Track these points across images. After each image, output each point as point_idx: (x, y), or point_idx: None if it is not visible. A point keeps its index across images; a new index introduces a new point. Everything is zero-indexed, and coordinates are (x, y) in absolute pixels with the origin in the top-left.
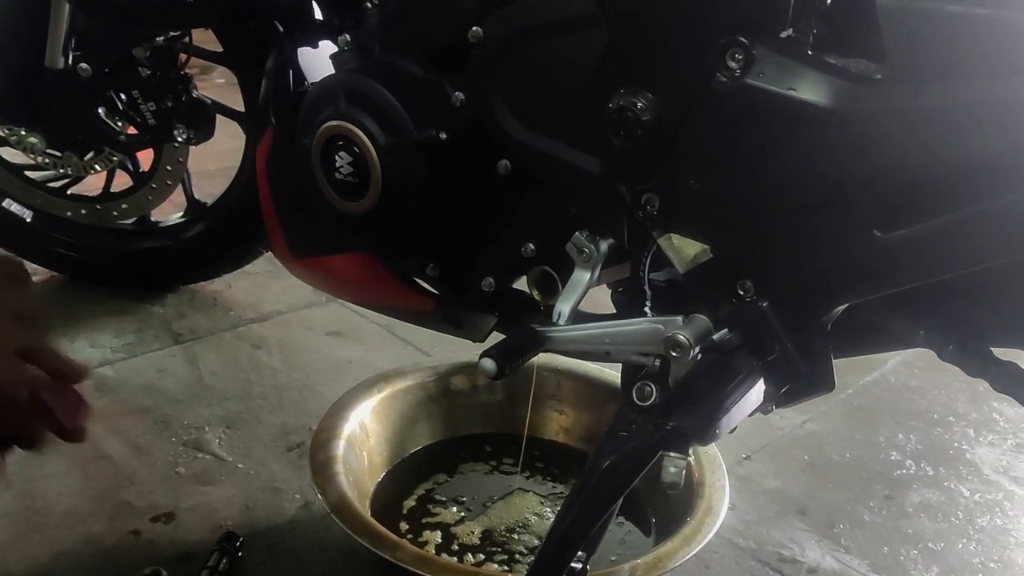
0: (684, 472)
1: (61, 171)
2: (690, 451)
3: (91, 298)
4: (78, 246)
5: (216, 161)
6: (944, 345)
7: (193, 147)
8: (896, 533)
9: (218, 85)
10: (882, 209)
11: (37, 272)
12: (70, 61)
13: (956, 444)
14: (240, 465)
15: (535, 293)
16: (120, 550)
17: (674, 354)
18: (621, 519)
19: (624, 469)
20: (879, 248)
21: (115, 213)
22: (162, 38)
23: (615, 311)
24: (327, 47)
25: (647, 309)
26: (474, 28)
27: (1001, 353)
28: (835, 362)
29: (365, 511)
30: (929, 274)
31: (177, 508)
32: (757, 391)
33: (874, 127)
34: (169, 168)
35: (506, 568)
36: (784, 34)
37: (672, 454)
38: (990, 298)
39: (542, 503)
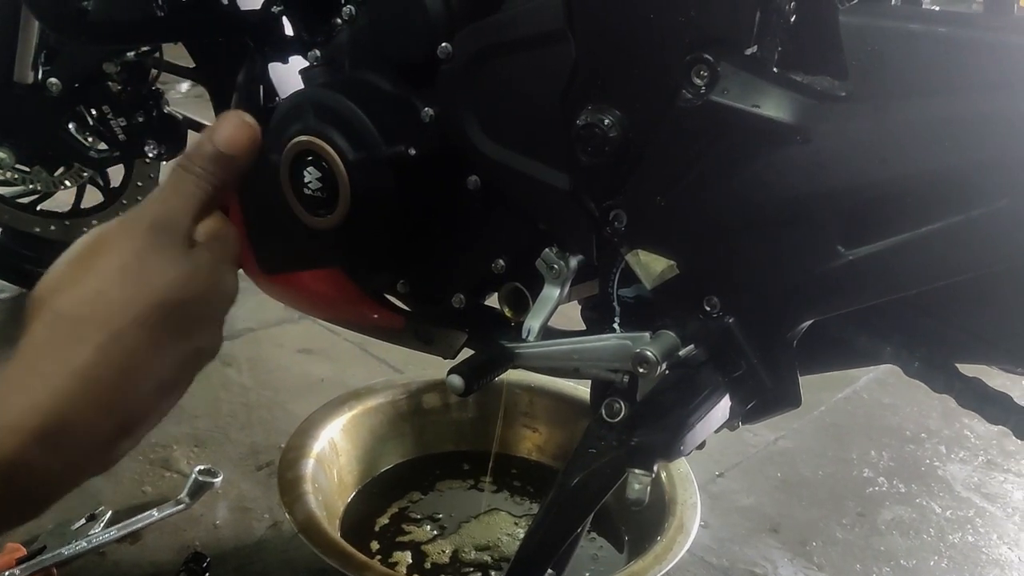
0: (649, 489)
1: (30, 187)
2: (655, 467)
3: None
4: (47, 262)
5: None
6: (910, 361)
7: (164, 163)
8: (868, 550)
9: (196, 97)
10: (846, 225)
11: (4, 289)
12: (39, 76)
13: (928, 461)
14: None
15: (506, 309)
16: (85, 571)
17: (641, 370)
18: (593, 535)
19: (593, 486)
20: (843, 264)
21: (85, 229)
22: (132, 53)
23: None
24: (297, 62)
25: (616, 325)
26: (443, 44)
27: (967, 369)
28: (807, 379)
29: (334, 531)
30: (892, 290)
31: (143, 528)
32: (723, 407)
33: (838, 143)
34: (140, 184)
35: None
36: (749, 51)
37: (637, 471)
38: (955, 314)
39: (516, 523)
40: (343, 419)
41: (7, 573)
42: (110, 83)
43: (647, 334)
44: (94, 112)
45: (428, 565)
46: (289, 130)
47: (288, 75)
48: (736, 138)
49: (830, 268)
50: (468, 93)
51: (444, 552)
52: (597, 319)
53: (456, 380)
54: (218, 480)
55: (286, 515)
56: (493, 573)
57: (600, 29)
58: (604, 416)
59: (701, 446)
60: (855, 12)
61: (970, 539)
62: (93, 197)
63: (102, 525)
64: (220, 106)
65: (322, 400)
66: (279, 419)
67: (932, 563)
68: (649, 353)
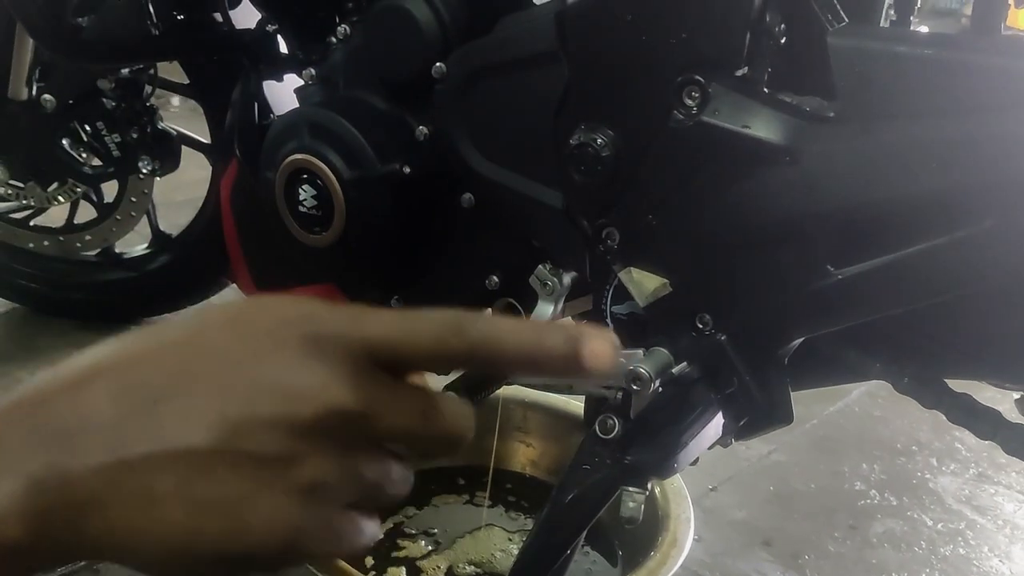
0: (642, 507)
1: (24, 202)
2: (649, 484)
3: (53, 330)
4: (40, 277)
5: (184, 192)
6: (899, 377)
7: (160, 178)
8: (861, 563)
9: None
10: (835, 244)
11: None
12: (34, 92)
13: (919, 474)
14: None
15: None
16: None
17: (635, 387)
18: (587, 549)
19: (586, 503)
20: (833, 283)
21: (78, 244)
22: (127, 70)
23: None
24: (292, 81)
25: None
26: (437, 64)
27: (956, 384)
28: (799, 393)
29: None
30: (882, 308)
31: None
32: (716, 424)
33: (826, 164)
34: (134, 199)
35: None
36: (739, 72)
37: (631, 488)
38: (944, 330)
39: (510, 539)
40: None
41: None
42: (104, 99)
43: (640, 351)
44: (88, 128)
45: None
46: (284, 148)
47: (283, 93)
48: (727, 158)
49: (820, 287)
50: (462, 112)
51: (439, 568)
52: None
53: (452, 397)
54: None
55: None
56: None
57: (593, 50)
58: (598, 432)
59: (694, 461)
60: (843, 34)
61: (961, 551)
62: (87, 213)
63: None
64: (214, 123)
65: None
66: None
67: (924, 575)
68: (642, 370)
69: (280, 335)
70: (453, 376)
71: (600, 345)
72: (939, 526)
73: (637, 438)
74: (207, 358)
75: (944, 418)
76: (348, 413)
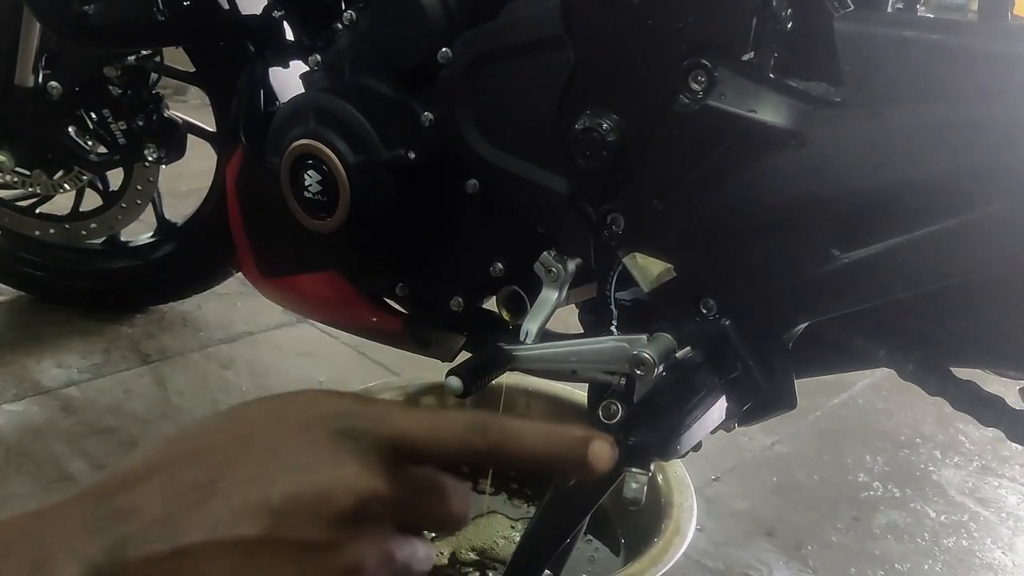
0: (645, 488)
1: (30, 190)
2: (652, 467)
3: (58, 318)
4: (46, 265)
5: (189, 181)
6: (904, 364)
7: (166, 167)
8: (863, 554)
9: (194, 106)
10: (840, 229)
11: (3, 292)
12: (40, 79)
13: (923, 466)
14: None
15: (504, 313)
16: None
17: (638, 372)
18: (590, 537)
19: (589, 488)
20: (837, 267)
21: (84, 232)
22: (133, 57)
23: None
24: (298, 67)
25: (613, 328)
26: (443, 49)
27: (961, 373)
28: (803, 384)
29: None
30: (887, 293)
31: None
32: (719, 408)
33: (832, 148)
34: (139, 188)
35: None
36: (746, 57)
37: (634, 470)
38: (950, 317)
39: (512, 527)
40: None
41: None
42: (110, 87)
43: (644, 336)
44: (94, 116)
45: None
46: (290, 134)
47: (289, 80)
48: (733, 142)
49: (825, 271)
50: (467, 98)
51: (442, 554)
52: (594, 322)
53: (454, 382)
54: None
55: None
56: (491, 574)
57: (598, 35)
58: (601, 418)
59: (697, 448)
60: (849, 19)
61: (964, 543)
62: (92, 200)
63: None
64: (220, 110)
65: None
66: None
67: (926, 567)
68: (646, 355)
69: (316, 431)
70: (457, 362)
71: (602, 448)
72: (942, 518)
73: (640, 420)
74: (250, 454)
75: (948, 411)
76: (379, 501)
